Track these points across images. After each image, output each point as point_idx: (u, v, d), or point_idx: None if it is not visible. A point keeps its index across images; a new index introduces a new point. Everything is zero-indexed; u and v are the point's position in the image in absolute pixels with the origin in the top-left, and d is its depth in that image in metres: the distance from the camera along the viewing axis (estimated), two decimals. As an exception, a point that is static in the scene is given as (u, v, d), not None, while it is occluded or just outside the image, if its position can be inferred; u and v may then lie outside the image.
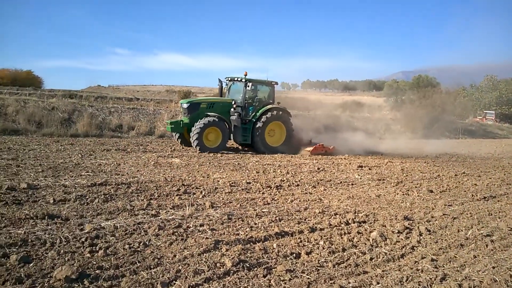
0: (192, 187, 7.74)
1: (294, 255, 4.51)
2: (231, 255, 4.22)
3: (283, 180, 8.89)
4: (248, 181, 8.67)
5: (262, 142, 14.32)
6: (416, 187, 9.20)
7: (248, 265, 4.08)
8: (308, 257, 4.48)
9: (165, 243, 4.53)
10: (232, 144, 16.04)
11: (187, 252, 4.27)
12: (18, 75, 51.54)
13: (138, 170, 9.18)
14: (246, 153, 14.19)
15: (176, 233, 4.90)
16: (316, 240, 5.03)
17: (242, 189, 7.87)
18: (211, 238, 4.72)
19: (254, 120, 14.25)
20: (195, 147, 13.19)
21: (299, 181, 8.98)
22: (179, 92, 38.80)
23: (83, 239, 4.39)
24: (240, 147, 15.79)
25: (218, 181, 8.50)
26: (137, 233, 4.81)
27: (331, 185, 8.91)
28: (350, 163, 12.52)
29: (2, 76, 49.96)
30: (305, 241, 4.99)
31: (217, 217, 5.77)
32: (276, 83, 15.61)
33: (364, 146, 16.82)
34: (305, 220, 5.98)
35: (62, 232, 4.58)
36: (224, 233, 5.06)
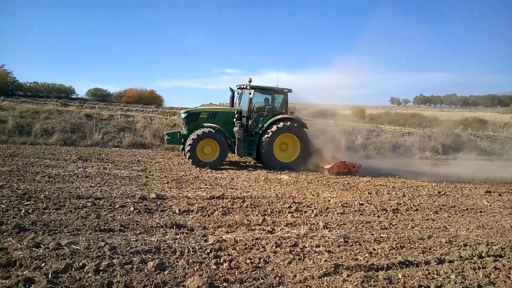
0: (303, 205, 7.71)
1: (423, 288, 4.14)
2: (354, 282, 4.05)
3: (400, 204, 8.34)
4: (360, 202, 8.34)
5: (269, 156, 12.73)
6: None
7: (372, 294, 3.86)
8: (439, 292, 4.07)
9: (284, 261, 4.54)
10: (246, 160, 14.94)
11: (307, 274, 4.21)
12: (143, 94, 58.16)
13: (250, 185, 9.49)
14: (344, 174, 13.67)
15: (293, 252, 4.89)
16: (446, 273, 4.56)
17: (355, 211, 7.58)
18: (329, 261, 4.60)
19: (261, 132, 12.81)
20: (189, 160, 12.19)
21: (418, 205, 8.34)
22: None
23: (208, 250, 4.63)
24: (253, 161, 14.55)
25: (329, 200, 8.34)
26: (255, 249, 4.92)
27: (455, 211, 8.09)
28: (475, 188, 11.25)
29: (130, 95, 56.93)
30: (433, 273, 4.56)
31: (333, 239, 5.61)
32: (289, 91, 13.60)
33: (490, 168, 15.01)
34: (430, 249, 5.48)
35: (189, 242, 4.89)
36: (342, 256, 4.88)
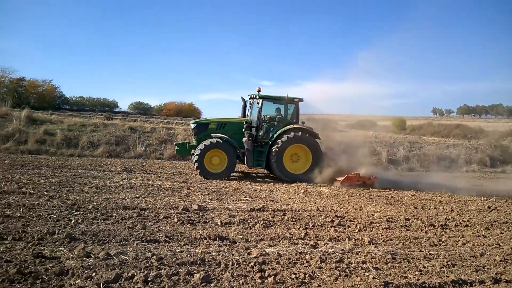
0: (346, 219, 7.54)
1: (479, 310, 3.90)
2: (405, 301, 3.87)
3: (448, 219, 7.96)
4: (406, 217, 8.05)
5: (279, 167, 12.44)
6: None
7: (424, 315, 3.67)
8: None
9: (330, 277, 4.42)
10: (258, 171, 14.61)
11: (355, 291, 4.08)
12: (182, 107, 59.80)
13: (290, 198, 9.41)
14: (393, 188, 13.22)
15: (339, 268, 4.75)
16: (504, 295, 4.28)
17: (401, 226, 7.32)
18: (378, 279, 4.43)
19: (270, 142, 12.56)
20: (196, 171, 12.14)
21: (467, 220, 7.93)
22: (321, 121, 39.09)
23: (251, 264, 4.60)
24: (266, 172, 14.22)
25: (373, 214, 8.11)
26: (300, 263, 4.83)
27: (508, 228, 7.62)
28: (529, 202, 10.57)
29: (170, 108, 58.72)
30: (490, 294, 4.29)
31: (380, 255, 5.42)
32: (301, 100, 13.26)
33: None
34: (483, 268, 5.18)
35: (233, 255, 4.88)
36: (390, 274, 4.70)
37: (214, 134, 12.43)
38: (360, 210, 8.58)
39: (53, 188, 8.42)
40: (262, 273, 4.37)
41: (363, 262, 5.06)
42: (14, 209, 6.38)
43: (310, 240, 5.90)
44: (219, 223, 6.45)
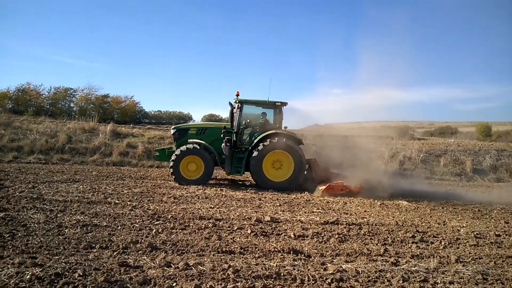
0: (428, 234, 7.04)
1: None
2: (505, 331, 3.46)
3: (550, 237, 7.08)
4: (497, 233, 7.34)
5: (258, 174, 11.85)
6: None
7: None
8: None
9: (414, 299, 4.11)
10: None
11: (444, 316, 3.74)
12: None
13: (365, 211, 9.04)
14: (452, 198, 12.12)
15: (424, 289, 4.41)
16: None
17: (491, 243, 6.67)
18: (470, 303, 4.03)
19: (250, 148, 11.99)
20: (172, 177, 11.87)
21: None
22: (395, 128, 37.55)
23: (328, 280, 4.44)
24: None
25: (459, 230, 7.50)
26: (380, 282, 4.56)
27: None
28: None
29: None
30: None
31: (469, 275, 4.95)
32: (284, 104, 12.64)
33: None
34: None
35: (309, 270, 4.76)
36: (484, 297, 4.26)
37: (192, 140, 12.23)
38: (444, 224, 7.98)
39: (135, 198, 8.95)
40: (340, 290, 4.19)
41: (451, 283, 4.65)
42: (100, 218, 6.87)
43: (390, 257, 5.57)
44: (292, 236, 6.36)
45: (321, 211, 8.69)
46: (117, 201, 8.37)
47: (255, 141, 12.03)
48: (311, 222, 7.49)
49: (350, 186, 11.38)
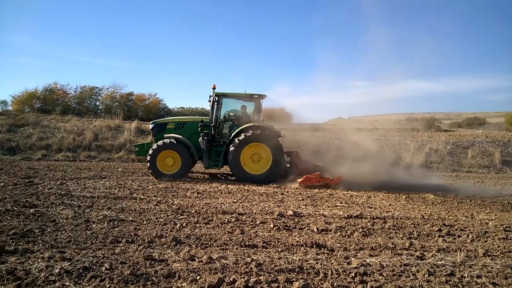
0: (456, 228, 6.87)
1: None
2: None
3: None
4: (528, 226, 7.07)
5: (236, 168, 11.77)
6: None
7: None
8: None
9: (441, 293, 4.03)
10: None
11: (472, 310, 3.65)
12: (274, 112, 60.53)
13: (390, 204, 8.90)
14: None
15: (450, 283, 4.31)
16: None
17: (523, 236, 6.44)
18: (499, 297, 3.92)
19: (228, 141, 11.98)
20: (149, 171, 11.91)
21: None
22: (421, 120, 36.81)
23: (352, 274, 4.40)
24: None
25: (487, 223, 7.29)
26: (405, 276, 4.49)
27: None
28: None
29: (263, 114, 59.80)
30: None
31: (497, 269, 4.81)
32: (262, 96, 12.60)
33: None
34: None
35: (332, 264, 4.73)
36: (514, 292, 4.13)
37: (168, 135, 12.24)
38: (472, 218, 7.77)
39: (159, 193, 9.11)
40: (364, 284, 4.15)
41: (478, 277, 4.53)
42: (126, 213, 7.03)
43: (415, 251, 5.47)
44: (315, 230, 6.33)
45: (345, 205, 8.62)
46: (142, 197, 8.54)
47: (233, 134, 12.04)
48: (334, 216, 7.44)
49: (328, 177, 11.43)
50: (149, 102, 34.82)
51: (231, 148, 11.72)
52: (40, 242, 5.17)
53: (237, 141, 11.67)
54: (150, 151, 11.79)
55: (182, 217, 6.88)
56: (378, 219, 7.29)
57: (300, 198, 9.22)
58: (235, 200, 8.58)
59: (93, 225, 6.08)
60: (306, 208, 8.16)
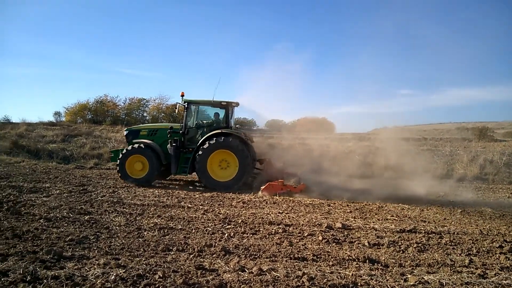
0: (520, 245, 6.38)
1: None
2: None
3: None
4: None
5: (203, 174, 11.70)
6: None
7: None
8: None
9: (510, 318, 3.73)
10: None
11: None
12: (315, 121, 59.97)
13: (445, 218, 8.45)
14: None
15: (520, 306, 3.99)
16: None
17: None
18: None
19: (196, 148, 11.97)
20: (118, 175, 12.25)
21: None
22: (472, 129, 35.04)
23: (410, 292, 4.19)
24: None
25: (556, 241, 6.70)
26: (468, 296, 4.21)
27: None
28: None
29: (302, 124, 59.41)
30: None
31: None
32: (235, 104, 12.81)
33: None
34: None
35: (387, 281, 4.53)
36: None
37: (137, 140, 12.51)
38: (537, 235, 7.19)
39: (206, 202, 9.21)
40: (424, 304, 3.93)
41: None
42: (176, 221, 7.14)
43: (476, 269, 5.13)
44: (367, 244, 6.11)
45: (396, 218, 8.27)
46: (190, 205, 8.67)
47: (200, 140, 12.02)
48: (386, 230, 7.16)
49: (291, 185, 11.25)
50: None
51: (197, 156, 11.79)
52: (95, 248, 5.35)
53: (204, 148, 11.73)
54: (120, 155, 12.23)
55: (229, 226, 6.90)
56: (434, 234, 6.93)
57: (348, 210, 8.97)
58: (280, 211, 8.49)
59: (145, 233, 6.23)
60: (355, 220, 7.91)
